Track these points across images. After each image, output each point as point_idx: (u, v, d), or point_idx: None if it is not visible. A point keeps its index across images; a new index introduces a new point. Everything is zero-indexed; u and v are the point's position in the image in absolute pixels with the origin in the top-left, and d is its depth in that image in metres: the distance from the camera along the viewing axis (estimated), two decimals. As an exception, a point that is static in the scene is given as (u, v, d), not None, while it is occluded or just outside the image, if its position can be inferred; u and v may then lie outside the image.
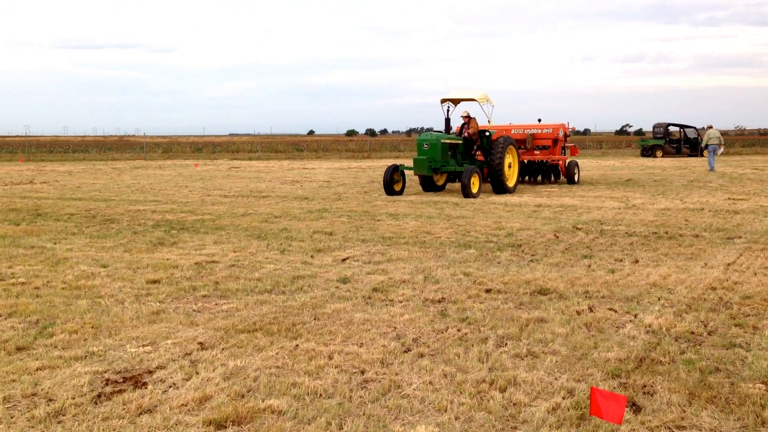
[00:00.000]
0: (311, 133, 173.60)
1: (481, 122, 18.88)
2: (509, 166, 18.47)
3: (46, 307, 6.29)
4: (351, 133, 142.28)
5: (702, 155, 40.56)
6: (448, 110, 19.09)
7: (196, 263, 8.37)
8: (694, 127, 42.43)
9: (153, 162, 40.64)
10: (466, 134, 18.58)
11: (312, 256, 8.83)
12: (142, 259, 8.63)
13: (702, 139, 27.92)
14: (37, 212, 13.90)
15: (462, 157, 18.40)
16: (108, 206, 15.17)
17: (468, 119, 18.66)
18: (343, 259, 8.61)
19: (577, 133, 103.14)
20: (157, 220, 12.57)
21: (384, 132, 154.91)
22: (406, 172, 18.14)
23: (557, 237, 10.30)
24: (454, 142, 18.14)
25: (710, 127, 29.19)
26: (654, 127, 42.48)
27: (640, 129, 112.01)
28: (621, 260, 8.46)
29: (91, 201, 16.46)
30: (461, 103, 19.28)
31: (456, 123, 19.55)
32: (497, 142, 18.26)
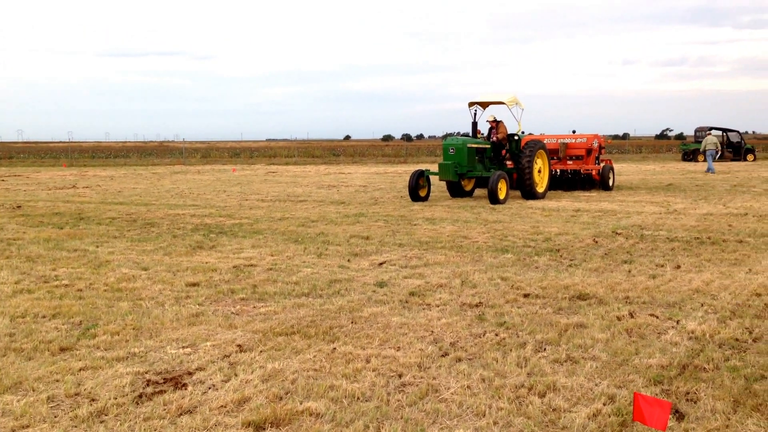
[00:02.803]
0: (347, 138, 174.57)
1: (511, 127, 18.49)
2: (539, 172, 18.05)
3: (88, 309, 6.41)
4: (387, 138, 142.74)
5: (745, 159, 39.81)
6: (475, 114, 18.54)
7: (234, 267, 8.45)
8: (737, 131, 41.57)
9: (192, 167, 41.21)
10: (494, 138, 18.25)
11: (349, 260, 8.85)
12: (182, 263, 8.75)
13: (702, 145, 30.86)
14: (79, 216, 14.19)
15: (490, 162, 18.05)
16: (148, 210, 15.42)
17: (495, 123, 18.30)
18: (380, 263, 8.61)
19: (616, 137, 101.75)
20: (196, 224, 12.73)
21: (420, 137, 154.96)
22: (432, 177, 17.76)
23: (596, 242, 10.17)
24: (481, 146, 17.75)
25: (709, 133, 32.07)
26: (696, 131, 41.69)
27: (681, 133, 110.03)
28: (662, 266, 8.31)
29: (132, 205, 16.74)
30: (490, 106, 18.79)
31: (484, 127, 19.17)
32: (526, 146, 17.86)
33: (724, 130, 41.05)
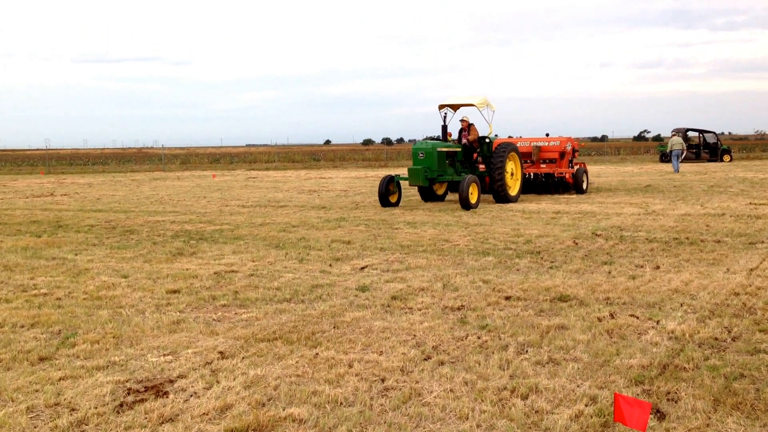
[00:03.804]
0: (328, 142, 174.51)
1: (482, 129, 18.21)
2: (511, 175, 17.87)
3: (67, 318, 6.34)
4: (367, 142, 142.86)
5: (721, 160, 40.32)
6: (445, 116, 18.24)
7: (215, 273, 8.40)
8: (714, 132, 42.09)
9: (171, 173, 40.95)
10: (465, 141, 17.99)
11: (330, 265, 8.84)
12: (162, 270, 8.68)
13: (668, 146, 32.61)
14: (58, 224, 14.04)
15: (462, 166, 17.76)
16: (128, 217, 15.29)
17: (467, 125, 18.06)
18: (362, 268, 8.61)
19: (594, 139, 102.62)
20: (176, 231, 12.65)
21: (400, 141, 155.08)
22: (404, 182, 17.48)
23: (576, 244, 10.23)
24: (451, 150, 17.42)
25: (674, 135, 33.33)
26: (673, 132, 42.18)
27: (659, 135, 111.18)
28: (642, 266, 8.39)
29: (111, 212, 16.60)
30: (460, 108, 18.52)
31: (455, 130, 18.89)
32: (498, 149, 17.63)
33: (701, 131, 41.56)
